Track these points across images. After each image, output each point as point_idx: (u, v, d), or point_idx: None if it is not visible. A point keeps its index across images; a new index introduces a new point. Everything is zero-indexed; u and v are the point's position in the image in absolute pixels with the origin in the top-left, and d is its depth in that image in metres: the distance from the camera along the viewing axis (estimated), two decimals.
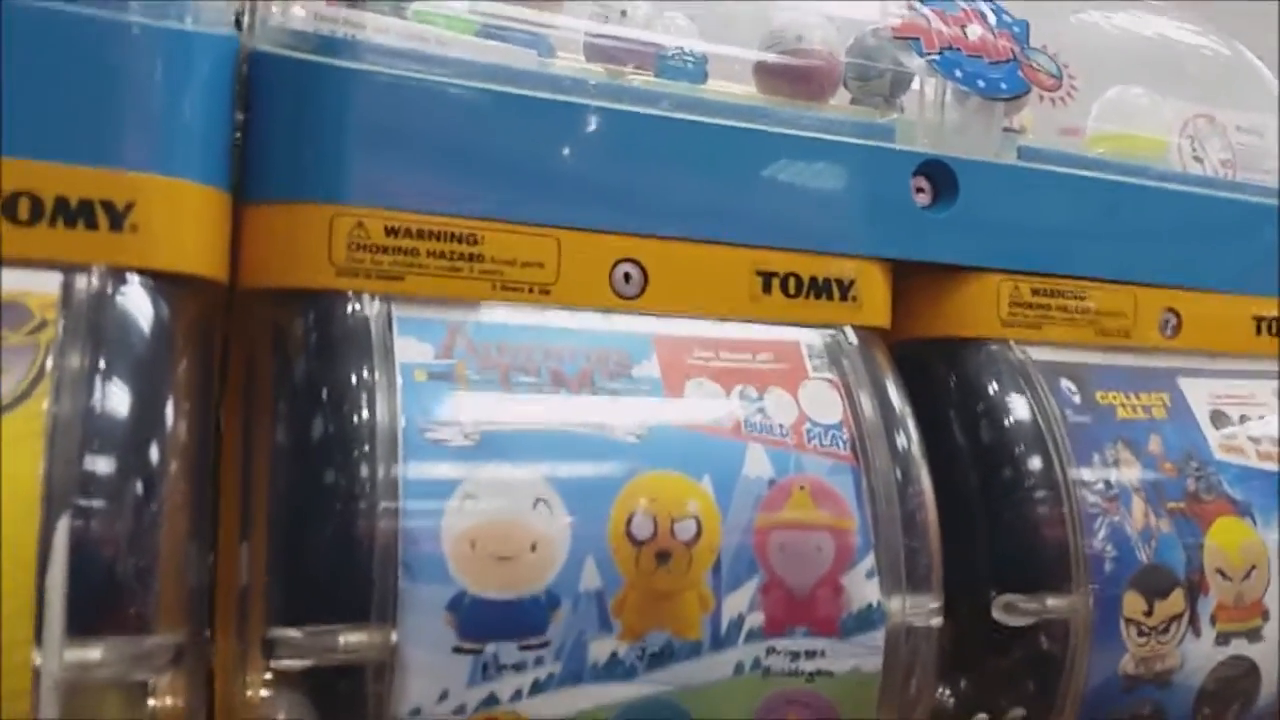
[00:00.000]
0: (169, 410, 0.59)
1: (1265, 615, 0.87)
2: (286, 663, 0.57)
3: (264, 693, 0.67)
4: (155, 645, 0.53)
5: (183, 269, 0.61)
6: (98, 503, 0.53)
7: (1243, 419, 0.94)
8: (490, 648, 0.60)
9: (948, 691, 0.87)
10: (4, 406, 0.52)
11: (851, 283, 0.79)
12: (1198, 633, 0.84)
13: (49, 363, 0.54)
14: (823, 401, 0.75)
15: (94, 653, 0.51)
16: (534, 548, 0.62)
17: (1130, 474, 0.84)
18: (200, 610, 0.62)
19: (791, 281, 0.77)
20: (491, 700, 0.60)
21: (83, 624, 0.51)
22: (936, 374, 0.86)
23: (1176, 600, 0.82)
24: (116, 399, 0.55)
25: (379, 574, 0.59)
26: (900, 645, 0.72)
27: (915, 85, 0.88)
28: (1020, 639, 0.81)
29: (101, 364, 0.55)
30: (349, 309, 0.65)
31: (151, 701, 0.60)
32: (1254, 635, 0.86)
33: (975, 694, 0.85)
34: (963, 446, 0.84)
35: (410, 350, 0.65)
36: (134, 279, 0.59)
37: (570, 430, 0.67)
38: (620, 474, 0.66)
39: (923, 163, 0.81)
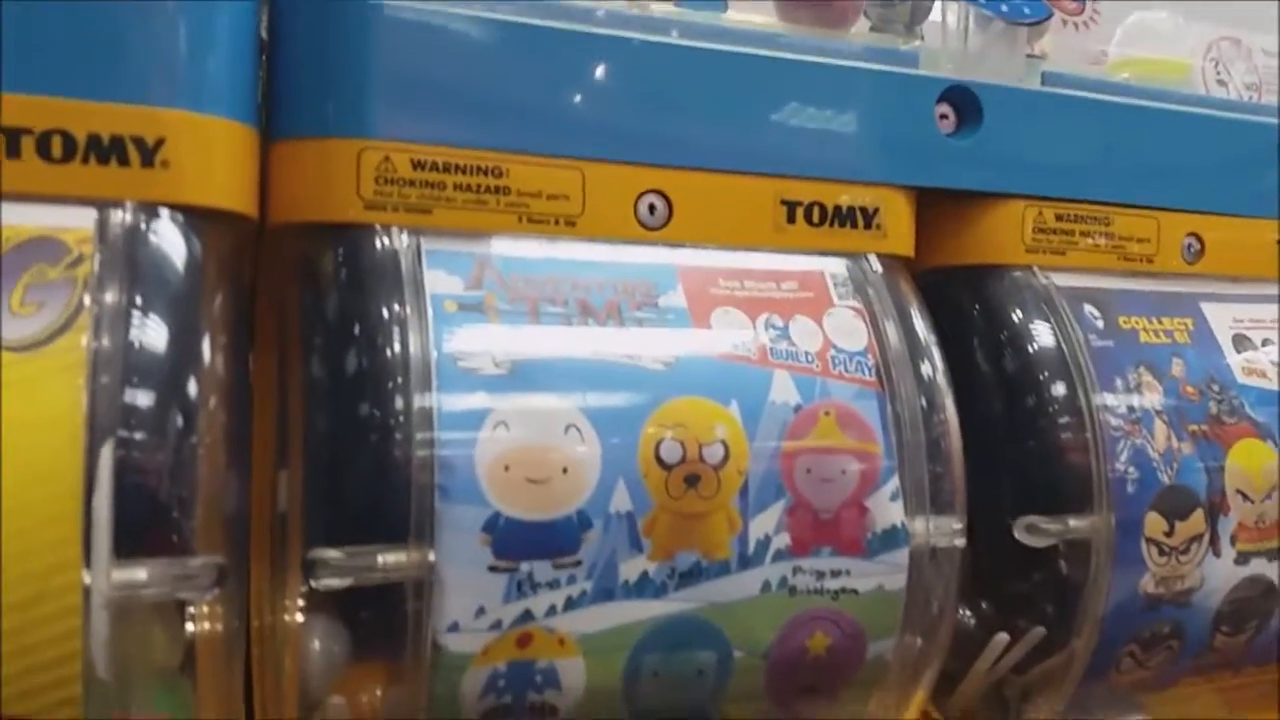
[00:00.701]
0: (205, 343, 0.60)
1: None
2: (327, 582, 0.58)
3: (299, 619, 0.69)
4: (198, 566, 0.55)
5: (213, 203, 0.62)
6: (139, 432, 0.54)
7: (1265, 343, 0.94)
8: (525, 566, 0.62)
9: (968, 612, 0.88)
10: (45, 340, 0.53)
11: (876, 211, 0.79)
12: (1218, 553, 0.85)
13: (86, 297, 0.55)
14: (847, 329, 0.76)
15: (140, 573, 0.53)
16: (565, 471, 0.64)
17: (1152, 397, 0.85)
18: (240, 536, 0.63)
19: (816, 210, 0.77)
20: (527, 616, 0.62)
21: (128, 546, 0.53)
22: (960, 301, 0.87)
23: (1197, 520, 0.83)
24: (154, 332, 0.56)
25: (416, 497, 0.60)
26: (924, 565, 0.73)
27: (936, 12, 0.87)
28: (1042, 560, 0.83)
29: (138, 298, 0.57)
30: (378, 242, 0.66)
31: (192, 627, 0.63)
32: (1274, 555, 0.87)
33: (996, 615, 0.87)
34: (987, 372, 0.85)
35: (440, 282, 0.66)
36: (166, 214, 0.60)
37: (599, 358, 0.68)
38: (649, 400, 0.67)
39: (947, 89, 0.81)
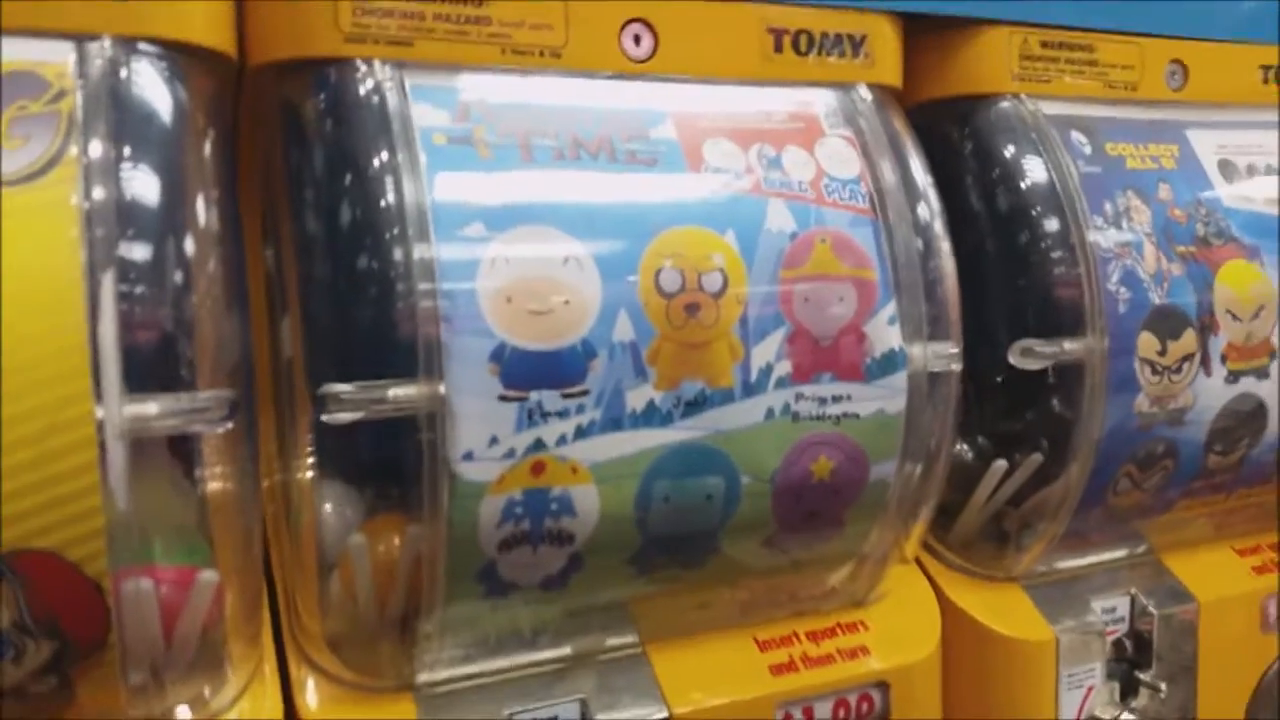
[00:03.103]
0: (192, 178, 0.59)
1: (1273, 354, 0.89)
2: (338, 417, 0.58)
3: (310, 473, 0.69)
4: (209, 399, 0.54)
5: (190, 39, 0.60)
6: (138, 264, 0.53)
7: (1250, 168, 0.95)
8: (534, 396, 0.62)
9: (966, 447, 0.90)
10: (37, 172, 0.52)
11: (863, 38, 0.78)
12: (1209, 372, 0.86)
13: (73, 130, 0.54)
14: (840, 157, 0.75)
15: (151, 406, 0.52)
16: (567, 302, 0.63)
17: (1141, 220, 0.85)
18: (246, 380, 0.63)
19: (803, 39, 0.76)
20: (539, 445, 0.62)
21: (137, 382, 0.52)
22: (950, 135, 0.86)
23: (1189, 340, 0.84)
24: (143, 162, 0.55)
25: (422, 330, 0.60)
26: (922, 388, 0.74)
27: None
28: (1037, 389, 0.83)
29: (125, 132, 0.55)
30: (361, 77, 0.64)
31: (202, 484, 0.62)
32: (1262, 373, 0.89)
33: (994, 448, 0.88)
34: (979, 204, 0.85)
35: (427, 116, 0.64)
36: (145, 50, 0.58)
37: (593, 190, 0.67)
38: (645, 231, 0.67)
39: None
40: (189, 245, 0.57)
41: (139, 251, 0.54)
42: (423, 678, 0.67)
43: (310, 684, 0.66)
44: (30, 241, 0.50)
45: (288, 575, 0.70)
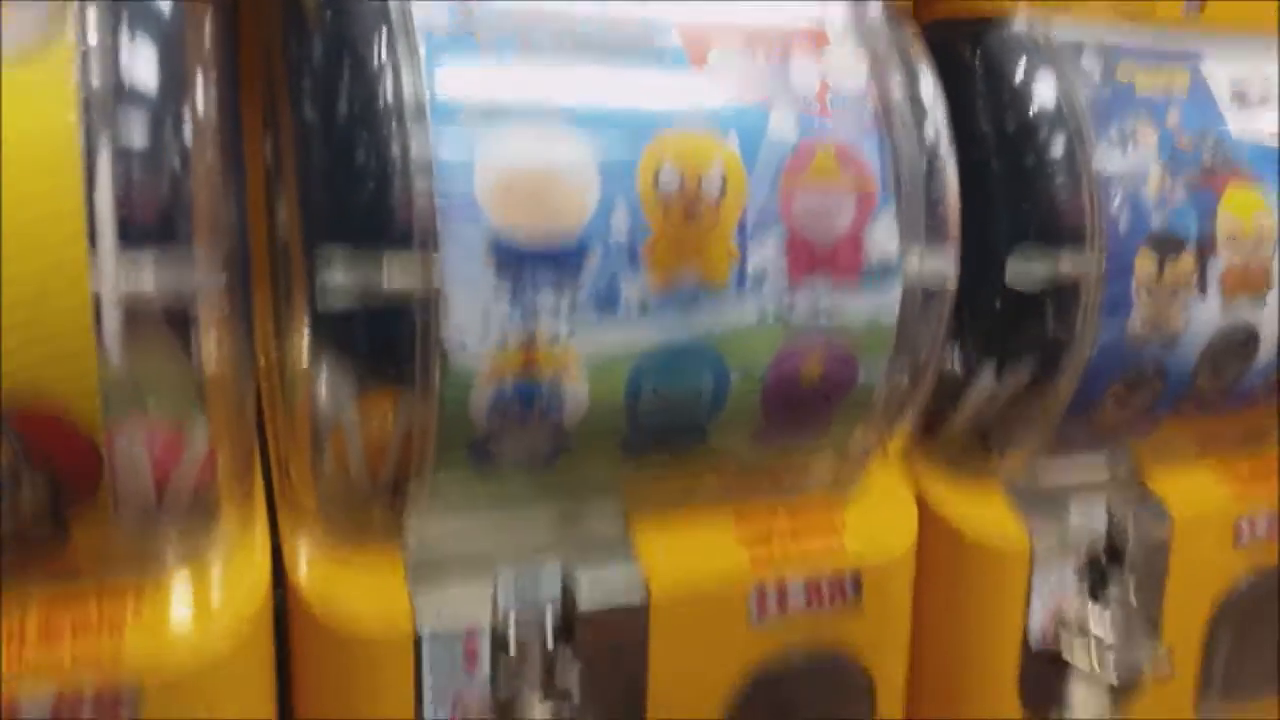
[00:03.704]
0: (190, 60, 0.59)
1: (1269, 282, 0.89)
2: (334, 304, 0.59)
3: (305, 354, 0.70)
4: (204, 271, 0.55)
5: None
6: (135, 139, 0.54)
7: (1262, 99, 0.94)
8: (528, 286, 0.63)
9: (956, 358, 0.90)
10: (31, 52, 0.52)
11: None
12: (1204, 296, 0.86)
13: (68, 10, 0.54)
14: (847, 70, 0.75)
15: (146, 275, 0.53)
16: (565, 196, 0.64)
17: (1147, 145, 0.85)
18: (242, 259, 0.64)
19: None
20: (531, 335, 0.63)
21: (133, 246, 0.53)
22: (961, 54, 0.86)
23: (1186, 263, 0.85)
24: (141, 43, 0.55)
25: (418, 218, 0.60)
26: (916, 299, 0.75)
27: None
28: (1031, 305, 0.84)
29: (123, 13, 0.55)
30: None
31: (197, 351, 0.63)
32: (1258, 301, 0.89)
33: (983, 358, 0.89)
34: (986, 124, 0.85)
35: (428, 8, 0.64)
36: None
37: (595, 87, 0.67)
38: (646, 130, 0.67)
39: None
40: (186, 126, 0.57)
41: (136, 131, 0.54)
42: (411, 540, 0.69)
43: (300, 544, 0.68)
44: (26, 120, 0.51)
45: (281, 445, 0.72)
